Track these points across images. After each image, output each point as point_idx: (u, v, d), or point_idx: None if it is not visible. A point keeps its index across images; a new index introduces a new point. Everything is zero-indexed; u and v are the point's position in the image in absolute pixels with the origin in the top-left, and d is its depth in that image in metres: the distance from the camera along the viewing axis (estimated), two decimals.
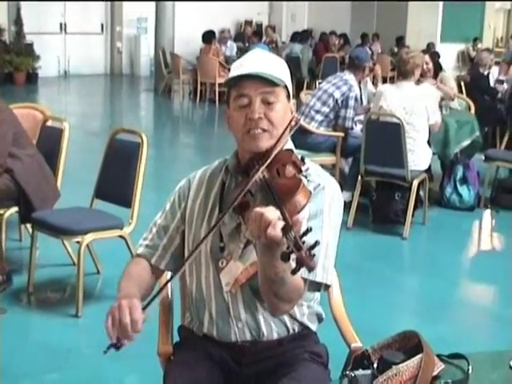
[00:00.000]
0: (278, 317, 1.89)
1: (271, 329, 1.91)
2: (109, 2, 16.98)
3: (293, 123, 1.85)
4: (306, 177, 1.82)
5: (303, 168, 1.80)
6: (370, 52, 13.53)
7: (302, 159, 1.82)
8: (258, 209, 1.57)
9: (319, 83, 7.19)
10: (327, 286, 1.86)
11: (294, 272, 1.47)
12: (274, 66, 1.88)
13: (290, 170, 1.76)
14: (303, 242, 1.47)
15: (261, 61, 1.88)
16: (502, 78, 9.06)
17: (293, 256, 1.47)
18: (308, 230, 1.50)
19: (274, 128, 1.85)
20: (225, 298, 1.91)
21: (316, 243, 1.47)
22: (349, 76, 6.22)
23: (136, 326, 1.69)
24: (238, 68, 1.88)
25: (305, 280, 1.76)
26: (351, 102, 6.07)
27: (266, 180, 1.70)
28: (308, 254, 1.45)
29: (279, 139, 1.83)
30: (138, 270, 1.99)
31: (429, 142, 5.72)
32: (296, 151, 1.87)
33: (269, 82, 1.83)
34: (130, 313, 1.70)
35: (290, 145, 1.92)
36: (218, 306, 1.93)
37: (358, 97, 6.23)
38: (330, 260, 1.85)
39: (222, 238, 1.90)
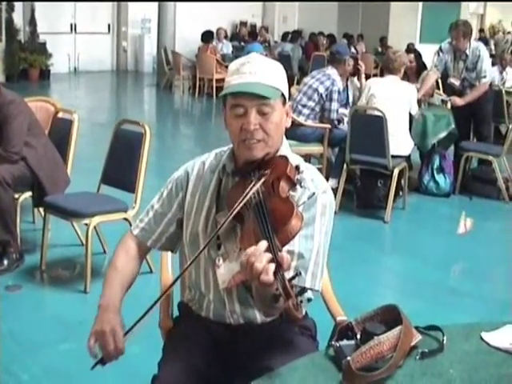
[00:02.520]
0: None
1: (265, 317, 1.86)
2: (115, 4, 16.87)
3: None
4: (300, 183, 1.73)
5: (298, 177, 1.72)
6: (355, 51, 13.52)
7: (297, 168, 1.73)
8: (245, 255, 1.45)
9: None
10: (316, 291, 1.80)
11: (281, 315, 1.42)
12: (270, 76, 1.75)
13: (283, 187, 1.65)
14: (292, 287, 1.39)
15: (258, 70, 1.73)
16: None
17: (281, 300, 1.38)
18: (297, 274, 1.42)
19: (269, 137, 1.75)
20: (221, 292, 1.86)
21: (304, 290, 1.42)
22: (331, 71, 6.15)
23: (118, 354, 1.73)
24: (235, 73, 1.75)
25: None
26: (335, 96, 6.03)
27: (260, 198, 1.60)
28: (296, 304, 1.37)
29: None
30: (124, 263, 2.00)
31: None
32: (291, 156, 1.79)
33: (264, 96, 1.71)
34: (113, 341, 1.72)
35: (286, 148, 1.85)
36: (215, 298, 1.89)
37: (341, 90, 6.18)
38: (319, 266, 1.77)
39: (219, 236, 1.78)
